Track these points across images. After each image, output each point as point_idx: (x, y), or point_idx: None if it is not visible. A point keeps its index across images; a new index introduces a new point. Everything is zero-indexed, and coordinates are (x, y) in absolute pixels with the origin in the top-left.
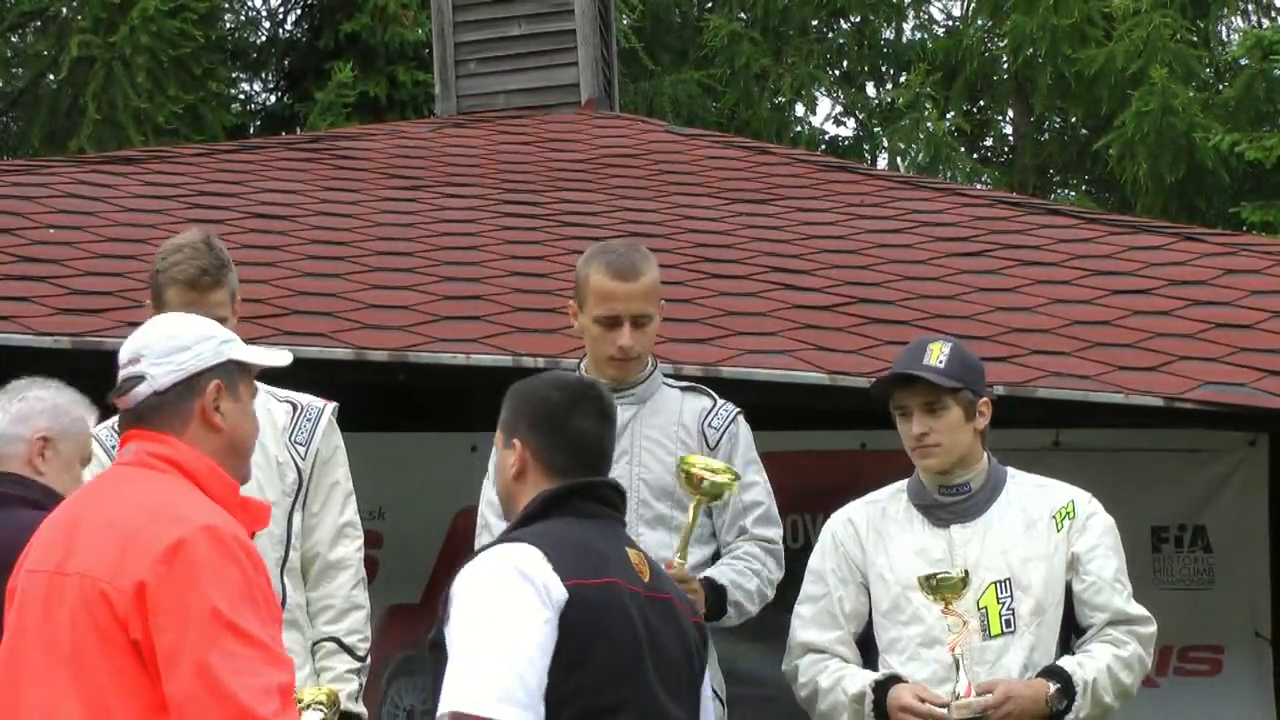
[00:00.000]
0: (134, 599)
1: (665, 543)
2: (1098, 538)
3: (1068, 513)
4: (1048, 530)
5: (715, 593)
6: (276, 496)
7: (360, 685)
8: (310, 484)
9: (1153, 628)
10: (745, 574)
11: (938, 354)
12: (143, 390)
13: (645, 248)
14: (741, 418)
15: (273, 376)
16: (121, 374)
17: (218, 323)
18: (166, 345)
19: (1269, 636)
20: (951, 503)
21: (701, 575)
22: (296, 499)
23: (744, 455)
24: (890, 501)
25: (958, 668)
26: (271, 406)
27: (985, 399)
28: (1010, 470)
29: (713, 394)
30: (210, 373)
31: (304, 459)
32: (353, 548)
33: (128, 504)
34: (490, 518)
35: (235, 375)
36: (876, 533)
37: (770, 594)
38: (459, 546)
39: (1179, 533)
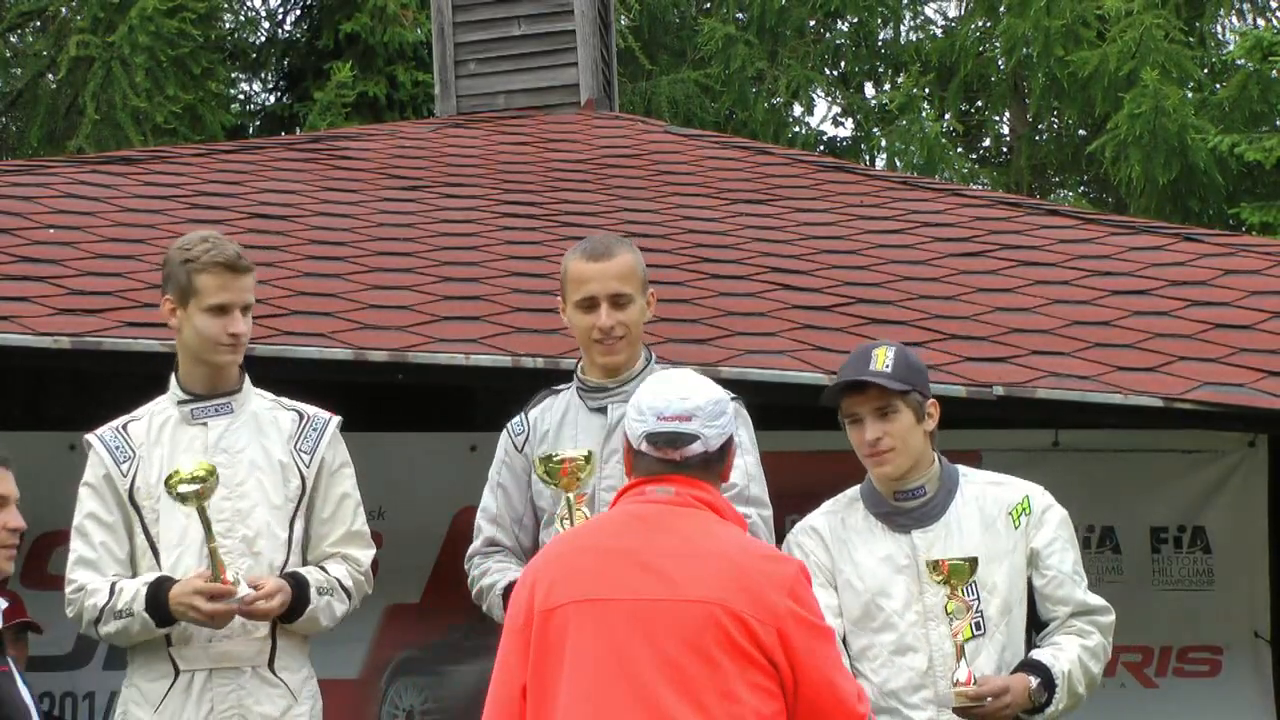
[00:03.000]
0: (769, 621)
1: None
2: (1054, 531)
3: (1024, 509)
4: (1006, 528)
5: None
6: (280, 500)
7: (328, 584)
8: (316, 493)
9: (1112, 616)
10: None
11: (883, 359)
12: (697, 449)
13: (629, 239)
14: (733, 405)
15: (277, 387)
16: (671, 426)
17: (244, 311)
18: (713, 409)
19: (1269, 637)
20: (910, 507)
21: None
22: (299, 505)
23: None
24: (847, 511)
25: (960, 655)
26: (278, 415)
27: (932, 400)
28: (962, 469)
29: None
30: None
31: (308, 466)
32: (361, 553)
33: (717, 539)
34: (484, 525)
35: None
36: (840, 541)
37: None
38: (458, 546)
39: (1178, 533)
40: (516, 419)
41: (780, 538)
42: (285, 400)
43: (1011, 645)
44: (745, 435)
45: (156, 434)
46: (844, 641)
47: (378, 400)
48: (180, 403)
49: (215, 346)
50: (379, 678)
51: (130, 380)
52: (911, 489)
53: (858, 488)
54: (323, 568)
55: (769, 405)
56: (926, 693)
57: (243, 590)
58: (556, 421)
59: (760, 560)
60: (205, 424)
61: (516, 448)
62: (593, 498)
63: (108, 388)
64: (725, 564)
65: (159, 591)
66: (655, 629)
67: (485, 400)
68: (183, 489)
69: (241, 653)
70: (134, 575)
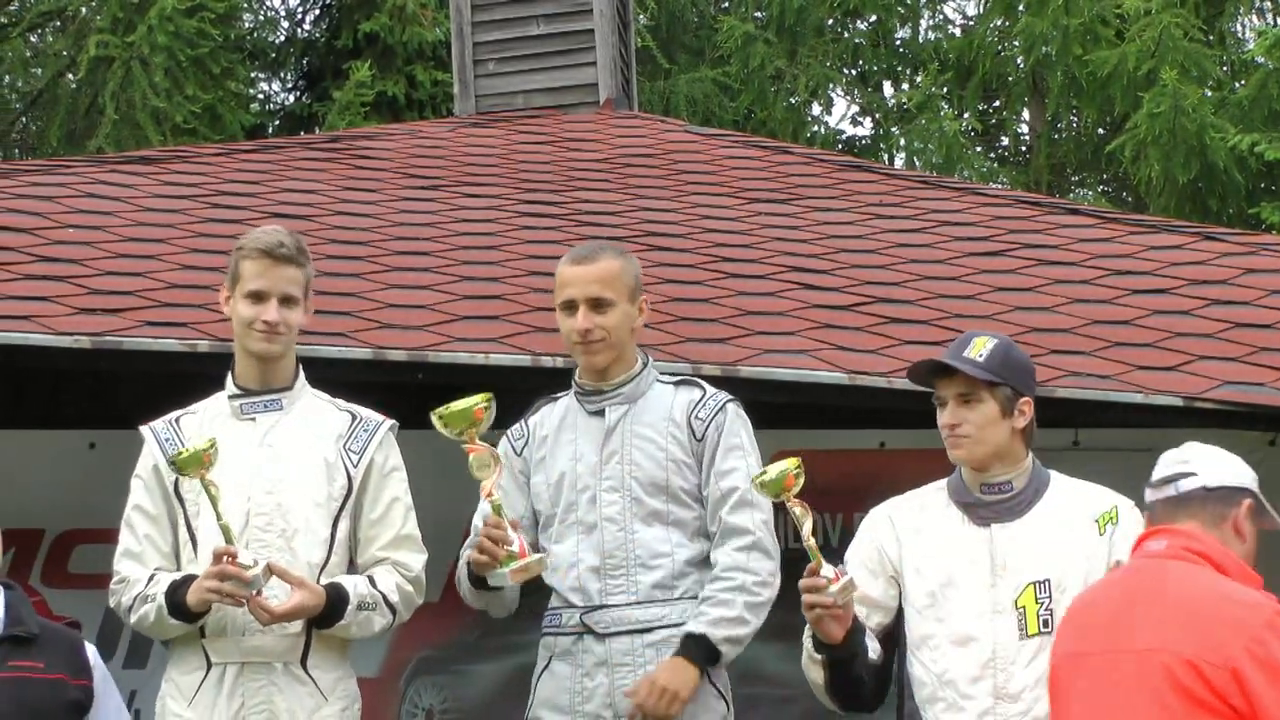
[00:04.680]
0: (1220, 664)
1: (663, 538)
2: None
3: (1110, 518)
4: (1089, 533)
5: (697, 643)
6: (322, 498)
7: (371, 598)
8: (364, 494)
9: None
10: (721, 604)
11: (980, 348)
12: (1192, 486)
13: (623, 248)
14: (732, 406)
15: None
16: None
17: (285, 302)
18: (1214, 456)
19: None
20: (993, 501)
21: (682, 632)
22: (344, 505)
23: (725, 442)
24: (931, 498)
25: (812, 556)
26: (330, 414)
27: (1027, 399)
28: (1053, 473)
29: (704, 385)
30: (1244, 492)
31: (355, 466)
32: (412, 558)
33: (1189, 585)
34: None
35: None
36: (914, 530)
37: (766, 591)
38: None
39: None
40: (516, 426)
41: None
42: (341, 402)
43: None
44: (745, 437)
45: (208, 428)
46: (899, 627)
47: (397, 399)
48: (232, 397)
49: (249, 332)
50: (398, 677)
51: (149, 380)
52: (997, 483)
53: (946, 478)
54: (372, 578)
55: (788, 404)
56: (985, 684)
57: (255, 572)
58: (555, 426)
59: (1224, 603)
60: (254, 419)
61: (516, 451)
62: (593, 498)
63: (126, 387)
64: (1183, 610)
65: (183, 584)
66: (1119, 680)
67: (504, 400)
68: (182, 460)
69: (273, 648)
70: (177, 569)
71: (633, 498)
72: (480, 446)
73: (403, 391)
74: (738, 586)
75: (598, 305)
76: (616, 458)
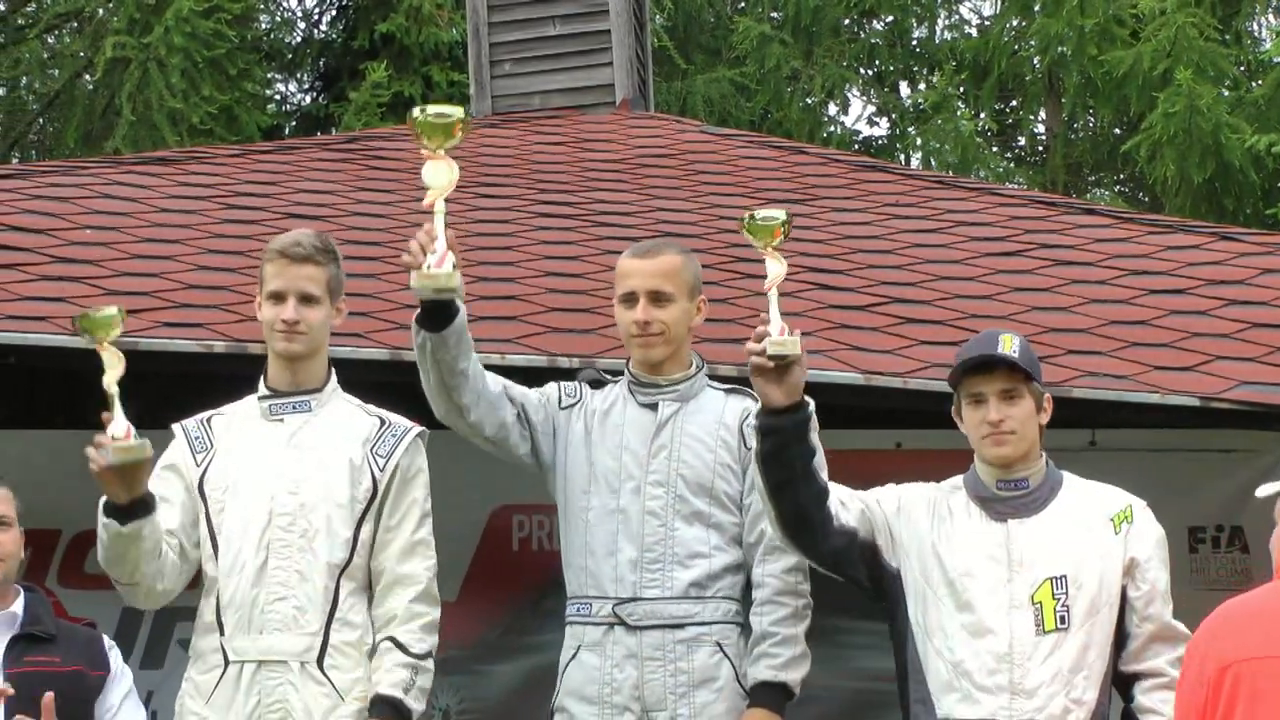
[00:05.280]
0: None
1: (703, 539)
2: (1153, 549)
3: (1125, 517)
4: (1104, 531)
5: (773, 691)
6: (345, 499)
7: (409, 679)
8: (387, 498)
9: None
10: (786, 642)
11: (1010, 344)
12: None
13: (686, 246)
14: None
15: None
16: None
17: (304, 301)
18: None
19: None
20: (1010, 497)
21: (749, 684)
22: (368, 509)
23: None
24: (949, 494)
25: (770, 308)
26: (358, 418)
27: (1048, 395)
28: (1065, 473)
29: (756, 396)
30: None
31: (381, 470)
32: (422, 565)
33: None
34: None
35: None
36: (941, 517)
37: (809, 611)
38: (495, 545)
39: (1216, 533)
40: (571, 384)
41: None
42: (371, 407)
43: (1095, 647)
44: None
45: (236, 427)
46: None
47: (412, 400)
48: (261, 398)
49: (272, 334)
50: None
51: (165, 381)
52: (1015, 479)
53: (960, 476)
54: (394, 642)
55: None
56: (1001, 678)
57: (123, 442)
58: (604, 408)
59: None
60: (282, 419)
61: (558, 403)
62: (638, 489)
63: (144, 387)
64: None
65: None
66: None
67: None
68: (88, 321)
69: (289, 648)
70: (180, 551)
71: (677, 495)
72: (444, 160)
73: (422, 394)
74: (794, 615)
75: (657, 299)
76: (665, 453)
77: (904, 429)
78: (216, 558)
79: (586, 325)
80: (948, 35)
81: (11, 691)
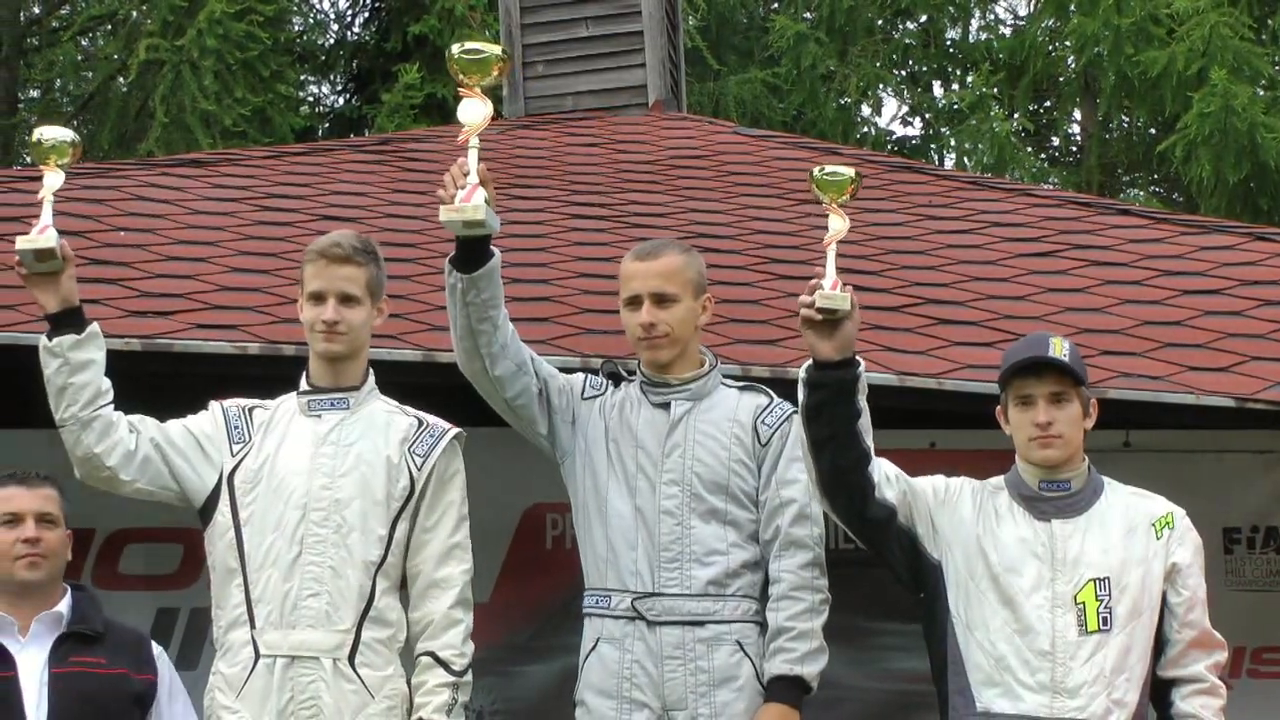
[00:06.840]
0: None
1: (720, 536)
2: (1193, 556)
3: (1167, 523)
4: (1147, 536)
5: (790, 685)
6: (382, 496)
7: (452, 699)
8: (424, 499)
9: (1226, 653)
10: (802, 636)
11: (1060, 348)
12: None
13: (687, 245)
14: (798, 417)
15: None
16: None
17: (344, 301)
18: None
19: None
20: (1054, 497)
21: (766, 678)
22: (405, 507)
23: (789, 452)
24: (994, 493)
25: (827, 262)
26: (396, 418)
27: (1094, 400)
28: (1106, 478)
29: (770, 393)
30: None
31: (419, 469)
32: (458, 569)
33: None
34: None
35: None
36: (986, 514)
37: (827, 607)
38: (527, 545)
39: (1251, 534)
40: (597, 378)
41: None
42: (409, 409)
43: (1136, 649)
44: (798, 446)
45: (275, 422)
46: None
47: (446, 401)
48: (301, 394)
49: (313, 334)
50: None
51: (199, 382)
52: (1059, 480)
53: (1000, 477)
54: (436, 659)
55: None
56: (1043, 676)
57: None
58: (619, 404)
59: None
60: (320, 416)
61: (580, 394)
62: (653, 488)
63: (177, 388)
64: None
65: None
66: None
67: None
68: (49, 144)
69: (320, 643)
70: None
71: (692, 493)
72: (480, 97)
73: (456, 394)
74: (810, 610)
75: (661, 300)
76: (679, 451)
77: (938, 429)
78: (240, 549)
79: (619, 326)
80: (982, 35)
81: None
